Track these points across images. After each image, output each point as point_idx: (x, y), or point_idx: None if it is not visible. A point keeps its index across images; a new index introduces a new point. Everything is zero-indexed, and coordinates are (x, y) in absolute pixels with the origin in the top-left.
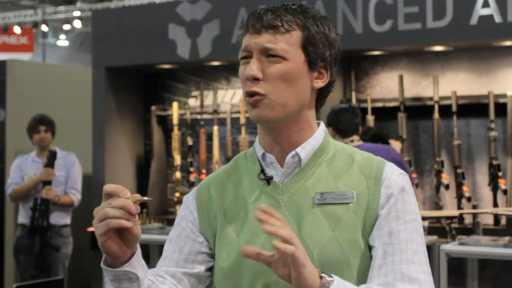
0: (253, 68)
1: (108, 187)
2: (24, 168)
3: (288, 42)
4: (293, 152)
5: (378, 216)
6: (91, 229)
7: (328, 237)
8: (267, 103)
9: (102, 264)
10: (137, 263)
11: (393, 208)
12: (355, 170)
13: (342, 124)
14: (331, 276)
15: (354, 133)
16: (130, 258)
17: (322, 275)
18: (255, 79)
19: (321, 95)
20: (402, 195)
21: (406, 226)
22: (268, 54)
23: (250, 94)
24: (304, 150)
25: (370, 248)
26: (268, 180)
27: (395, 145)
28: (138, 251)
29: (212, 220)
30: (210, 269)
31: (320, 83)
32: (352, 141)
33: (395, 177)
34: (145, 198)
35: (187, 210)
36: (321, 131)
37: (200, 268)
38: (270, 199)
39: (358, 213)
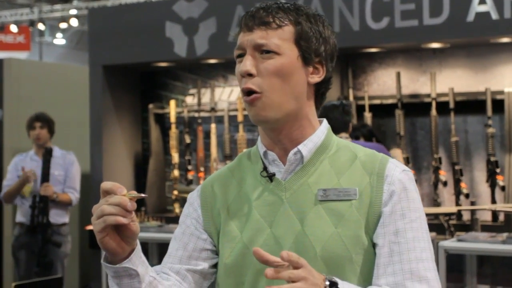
0: (246, 64)
1: (105, 185)
2: (24, 167)
3: (280, 37)
4: (295, 149)
5: (381, 213)
6: (89, 227)
7: (330, 233)
8: (264, 101)
9: (102, 261)
10: (136, 259)
11: (398, 206)
12: (358, 166)
13: (332, 121)
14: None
15: (342, 130)
16: (129, 255)
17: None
18: (249, 75)
19: (319, 91)
20: (406, 192)
21: (412, 225)
22: (262, 50)
23: (246, 93)
24: (306, 147)
25: (373, 244)
26: (271, 177)
27: (396, 152)
28: (138, 248)
29: (215, 217)
30: (215, 266)
31: (316, 78)
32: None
33: (398, 174)
34: (142, 194)
35: (191, 208)
36: (323, 128)
37: (204, 265)
38: (273, 196)
39: (361, 210)
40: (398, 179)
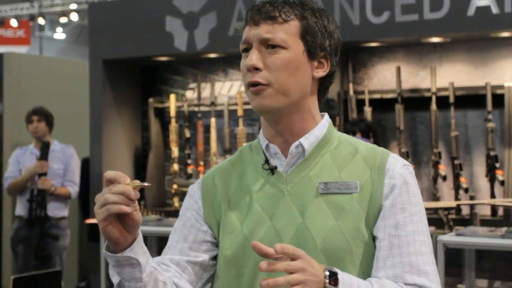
0: (253, 58)
1: (108, 174)
2: (22, 161)
3: (286, 32)
4: (296, 142)
5: (382, 206)
6: (89, 221)
7: (331, 226)
8: (270, 92)
9: (104, 250)
10: (138, 249)
11: (398, 200)
12: (359, 160)
13: None
14: (336, 278)
15: None
16: (131, 244)
17: (326, 280)
18: (256, 69)
19: (322, 85)
20: (407, 186)
21: (412, 218)
22: (268, 45)
23: (252, 84)
24: (308, 141)
25: (373, 237)
26: (272, 170)
27: None
28: (140, 237)
29: (216, 209)
30: (215, 258)
31: (320, 73)
32: None
33: (399, 168)
34: (145, 184)
35: (192, 200)
36: (325, 122)
37: (204, 257)
38: (274, 189)
39: (361, 203)
40: (399, 173)
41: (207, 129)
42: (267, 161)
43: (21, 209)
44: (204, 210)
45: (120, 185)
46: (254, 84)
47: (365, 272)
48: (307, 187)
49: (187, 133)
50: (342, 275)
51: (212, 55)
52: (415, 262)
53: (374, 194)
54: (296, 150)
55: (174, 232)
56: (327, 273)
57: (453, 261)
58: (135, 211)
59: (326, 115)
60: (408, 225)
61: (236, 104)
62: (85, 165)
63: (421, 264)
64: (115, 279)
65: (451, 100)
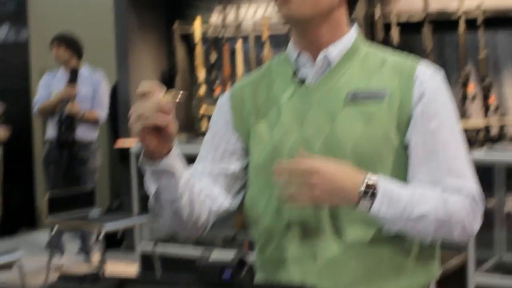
0: None
1: (142, 87)
2: (52, 85)
3: None
4: (324, 52)
5: (412, 113)
6: (119, 145)
7: (361, 132)
8: (298, 0)
9: (141, 159)
10: (174, 159)
11: (429, 107)
12: (388, 69)
13: None
14: (374, 190)
15: None
16: (167, 154)
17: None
18: None
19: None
20: (438, 93)
21: (445, 124)
22: None
23: None
24: (336, 49)
25: (404, 145)
26: (302, 80)
27: None
28: (176, 148)
29: (245, 119)
30: (246, 167)
31: None
32: None
33: (428, 76)
34: (179, 95)
35: (221, 112)
36: (353, 32)
37: (236, 166)
38: (303, 98)
39: (391, 111)
40: (429, 80)
41: (232, 53)
42: (296, 72)
43: (51, 132)
44: (233, 119)
45: (155, 98)
46: None
47: (397, 179)
48: (335, 96)
49: (213, 57)
50: (383, 183)
51: None
52: (453, 165)
53: (403, 102)
54: (324, 60)
55: (204, 145)
56: (366, 180)
57: (483, 178)
58: (169, 123)
59: (355, 26)
60: (441, 130)
61: (261, 28)
62: (114, 92)
63: (459, 167)
64: (152, 189)
65: (479, 22)
